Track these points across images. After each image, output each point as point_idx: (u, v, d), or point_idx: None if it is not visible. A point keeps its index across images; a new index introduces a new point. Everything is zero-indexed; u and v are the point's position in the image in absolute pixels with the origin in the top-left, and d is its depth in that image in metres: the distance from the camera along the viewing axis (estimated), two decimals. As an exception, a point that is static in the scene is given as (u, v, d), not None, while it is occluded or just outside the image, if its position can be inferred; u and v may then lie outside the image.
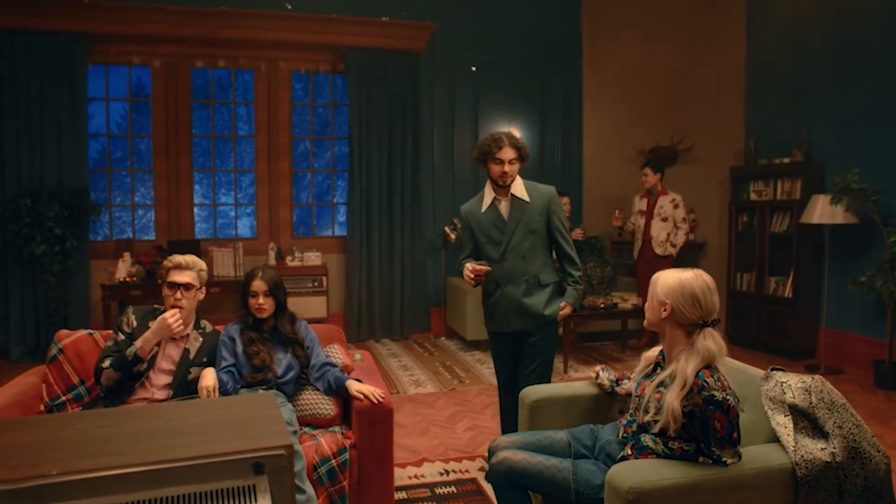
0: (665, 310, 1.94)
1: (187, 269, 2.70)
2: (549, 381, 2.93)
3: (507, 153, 2.89)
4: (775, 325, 5.57)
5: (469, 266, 2.91)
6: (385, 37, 6.12)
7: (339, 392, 2.67)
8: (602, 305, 5.16)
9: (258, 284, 2.75)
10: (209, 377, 2.57)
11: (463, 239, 3.21)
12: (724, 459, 1.78)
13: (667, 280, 1.97)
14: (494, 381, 3.43)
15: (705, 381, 1.80)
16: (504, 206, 2.98)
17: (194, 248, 5.74)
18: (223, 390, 2.58)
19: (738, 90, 6.32)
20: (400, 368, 5.22)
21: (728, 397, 1.79)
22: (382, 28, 6.10)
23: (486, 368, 5.15)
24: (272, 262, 5.93)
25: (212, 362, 2.72)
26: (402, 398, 4.45)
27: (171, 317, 2.53)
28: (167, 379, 2.62)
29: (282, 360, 2.75)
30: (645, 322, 2.07)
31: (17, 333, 5.45)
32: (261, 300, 2.74)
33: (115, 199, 6.29)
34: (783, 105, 5.84)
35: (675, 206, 5.54)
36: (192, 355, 2.69)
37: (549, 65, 6.74)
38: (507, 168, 2.90)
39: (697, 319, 1.91)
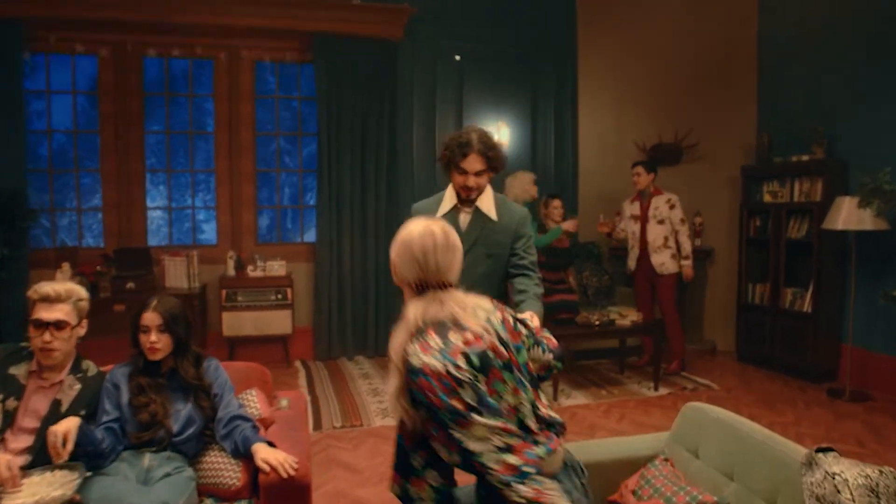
0: (394, 270, 1.57)
1: (58, 302, 2.11)
2: None
3: (473, 163, 2.29)
4: (792, 342, 4.99)
5: None
6: (357, 22, 5.52)
7: (248, 455, 2.10)
8: (597, 323, 4.56)
9: (150, 317, 2.18)
10: (65, 422, 1.95)
11: None
12: (464, 444, 1.33)
13: (399, 232, 1.57)
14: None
15: (405, 352, 1.42)
16: (464, 219, 2.42)
17: (143, 256, 5.19)
18: (94, 449, 1.99)
19: (749, 80, 5.74)
20: (369, 393, 4.64)
21: (432, 360, 1.34)
22: (354, 12, 5.50)
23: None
24: (231, 272, 5.35)
25: (92, 416, 2.15)
26: (364, 433, 3.87)
27: (5, 469, 1.83)
28: (28, 440, 2.05)
29: (180, 413, 2.18)
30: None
31: (-56, 353, 4.88)
32: (153, 337, 2.17)
33: (69, 203, 5.72)
34: (801, 96, 5.27)
35: (672, 207, 4.98)
36: (63, 408, 2.11)
37: (540, 53, 6.13)
38: (471, 181, 2.30)
39: (417, 281, 1.51)
